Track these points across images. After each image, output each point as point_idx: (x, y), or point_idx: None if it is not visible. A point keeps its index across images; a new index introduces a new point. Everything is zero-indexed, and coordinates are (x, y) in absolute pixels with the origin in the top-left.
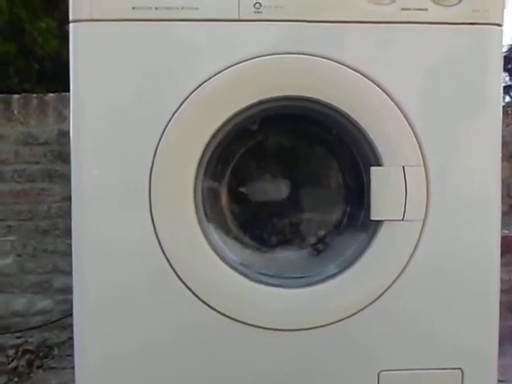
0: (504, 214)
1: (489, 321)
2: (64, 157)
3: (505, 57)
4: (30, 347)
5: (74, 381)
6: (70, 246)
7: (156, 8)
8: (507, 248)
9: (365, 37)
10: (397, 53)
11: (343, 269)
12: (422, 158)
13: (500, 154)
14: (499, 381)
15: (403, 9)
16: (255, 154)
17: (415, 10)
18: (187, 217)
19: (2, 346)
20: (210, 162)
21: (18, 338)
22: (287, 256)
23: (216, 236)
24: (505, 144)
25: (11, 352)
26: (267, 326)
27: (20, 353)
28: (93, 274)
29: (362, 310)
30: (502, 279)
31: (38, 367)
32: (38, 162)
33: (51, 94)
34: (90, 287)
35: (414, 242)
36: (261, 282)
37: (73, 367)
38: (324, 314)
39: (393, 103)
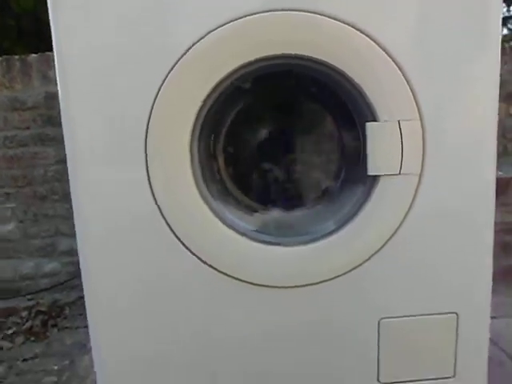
0: (498, 155)
1: (483, 266)
2: (53, 120)
3: None
4: (43, 308)
5: (87, 339)
6: (70, 209)
7: None
8: (501, 189)
9: None
10: (391, 5)
11: (342, 224)
12: (418, 111)
13: (497, 103)
14: (492, 317)
15: None
16: (250, 113)
17: None
18: (184, 177)
19: (15, 308)
20: (206, 123)
21: (29, 300)
22: (286, 215)
23: (214, 196)
24: (501, 83)
25: (24, 313)
26: (268, 284)
27: (33, 314)
28: (94, 233)
29: (361, 264)
30: (495, 220)
31: (53, 326)
32: (28, 127)
33: (34, 55)
34: (93, 244)
35: (411, 195)
36: (260, 240)
37: (85, 326)
38: (324, 270)
39: (388, 57)
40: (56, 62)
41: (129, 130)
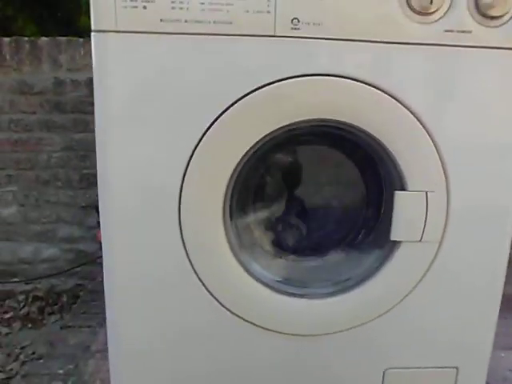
0: None
1: (488, 326)
2: (61, 107)
3: None
4: (40, 293)
5: (90, 341)
6: (72, 197)
7: (185, 21)
8: None
9: (403, 59)
10: (433, 76)
11: (360, 282)
12: (446, 184)
13: None
14: None
15: (446, 30)
16: (280, 170)
17: (459, 32)
18: (215, 231)
19: (12, 292)
20: (240, 177)
21: (26, 284)
22: (308, 266)
23: (242, 247)
24: None
25: (21, 298)
26: (289, 332)
27: (30, 299)
28: (126, 289)
29: (373, 319)
30: None
31: (50, 314)
32: (34, 112)
33: (44, 38)
34: (123, 297)
35: (429, 261)
36: (283, 292)
37: (88, 326)
38: (340, 322)
39: (423, 128)
40: (96, 118)
41: (163, 192)
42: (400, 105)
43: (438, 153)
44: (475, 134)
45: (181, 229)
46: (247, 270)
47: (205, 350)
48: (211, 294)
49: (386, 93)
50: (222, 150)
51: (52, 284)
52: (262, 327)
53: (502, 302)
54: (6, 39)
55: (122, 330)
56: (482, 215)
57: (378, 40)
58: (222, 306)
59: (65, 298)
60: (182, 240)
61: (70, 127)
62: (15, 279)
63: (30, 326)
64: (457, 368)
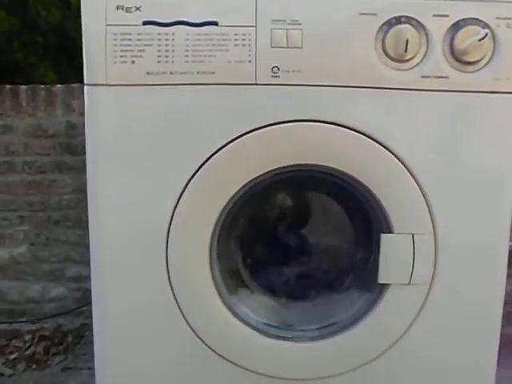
0: None
1: (488, 367)
2: (72, 149)
3: None
4: (46, 333)
5: (91, 382)
6: (81, 236)
7: (171, 73)
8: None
9: (382, 104)
10: (413, 120)
11: (349, 325)
12: (433, 226)
13: (509, 220)
14: None
15: (423, 76)
16: (268, 212)
17: (435, 77)
18: (202, 273)
19: (18, 331)
20: (226, 221)
21: (33, 323)
22: (296, 309)
23: (229, 289)
24: None
25: (28, 337)
26: (277, 376)
27: (36, 339)
28: (114, 326)
29: (364, 364)
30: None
31: (55, 354)
32: (48, 154)
33: (59, 85)
34: (112, 335)
35: (420, 304)
36: (270, 335)
37: (89, 368)
38: (330, 367)
39: (407, 172)
40: (87, 163)
41: (150, 235)
42: (383, 148)
43: (423, 195)
44: (459, 175)
45: (168, 272)
46: (234, 313)
47: None
48: (199, 337)
49: (368, 137)
50: (208, 196)
51: (58, 323)
52: (250, 370)
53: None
54: (23, 87)
55: (110, 371)
56: (472, 254)
57: (357, 85)
58: (210, 348)
59: (70, 338)
60: (170, 283)
61: (80, 169)
62: (22, 319)
63: (34, 367)
64: None
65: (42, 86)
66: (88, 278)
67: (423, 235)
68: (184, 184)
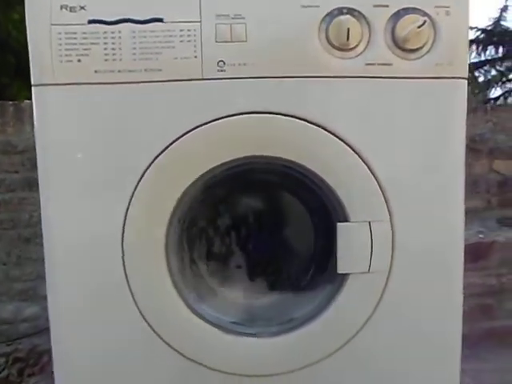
0: (482, 210)
1: (451, 352)
2: None
3: (490, 30)
4: (21, 354)
5: None
6: None
7: (119, 71)
8: (482, 253)
9: (329, 92)
10: (361, 108)
11: (311, 318)
12: (389, 213)
13: (463, 200)
14: None
15: (367, 64)
16: (226, 206)
17: (379, 64)
18: (159, 271)
19: None
20: (181, 219)
21: (7, 345)
22: (258, 303)
23: (188, 288)
24: (484, 140)
25: (2, 361)
26: (243, 373)
27: (10, 361)
28: (67, 319)
29: (330, 355)
30: (475, 283)
31: (29, 375)
32: (16, 171)
33: (27, 101)
34: (66, 332)
35: (380, 291)
36: (234, 332)
37: None
38: (295, 360)
39: (359, 159)
40: (38, 165)
41: (105, 229)
42: (334, 137)
43: (377, 182)
44: (411, 160)
45: (125, 272)
46: (194, 311)
47: None
48: (159, 336)
49: (318, 126)
50: (160, 193)
51: (34, 344)
52: (212, 368)
53: (494, 337)
54: None
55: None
56: (430, 241)
57: (303, 75)
58: (171, 347)
59: (46, 358)
60: (127, 281)
61: None
62: None
63: None
64: None
65: (11, 102)
66: None
67: (380, 222)
68: (136, 181)
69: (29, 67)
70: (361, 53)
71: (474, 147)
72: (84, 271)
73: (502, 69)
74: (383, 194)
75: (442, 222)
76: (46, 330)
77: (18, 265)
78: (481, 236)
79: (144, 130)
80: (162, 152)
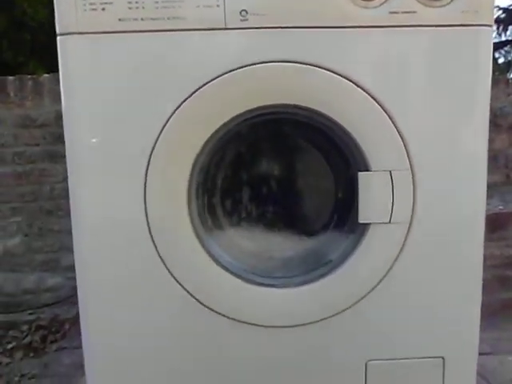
0: (502, 184)
1: (470, 312)
2: (63, 138)
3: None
4: (43, 323)
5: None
6: None
7: (142, 19)
8: (501, 224)
9: (352, 42)
10: (385, 57)
11: (332, 268)
12: (409, 162)
13: (486, 154)
14: (487, 353)
15: (391, 12)
16: (247, 157)
17: (403, 12)
18: (181, 218)
19: (15, 322)
20: (204, 165)
21: (30, 314)
22: (279, 255)
23: (210, 237)
24: (505, 115)
25: (25, 328)
26: (260, 324)
27: (33, 328)
28: (93, 275)
29: (350, 307)
30: (494, 254)
31: (52, 342)
32: (37, 144)
33: (46, 75)
34: (91, 273)
35: (401, 242)
36: (254, 282)
37: None
38: (315, 312)
39: (381, 109)
40: (63, 113)
41: (129, 173)
42: (356, 87)
43: (398, 132)
44: (433, 110)
45: (147, 217)
46: (216, 260)
47: (175, 342)
48: (181, 285)
49: (340, 76)
50: (185, 138)
51: (55, 313)
52: (233, 318)
53: (509, 308)
54: (10, 78)
55: (93, 324)
56: (451, 192)
57: (326, 25)
58: (192, 296)
59: (67, 327)
60: (149, 230)
61: None
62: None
63: (31, 355)
64: (443, 358)
65: (29, 76)
66: None
67: (400, 171)
68: (161, 127)
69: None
70: (385, 1)
71: (494, 121)
72: (106, 215)
73: None
74: (404, 144)
75: (464, 171)
76: (67, 300)
77: (40, 236)
78: (500, 207)
79: (169, 76)
80: (186, 99)
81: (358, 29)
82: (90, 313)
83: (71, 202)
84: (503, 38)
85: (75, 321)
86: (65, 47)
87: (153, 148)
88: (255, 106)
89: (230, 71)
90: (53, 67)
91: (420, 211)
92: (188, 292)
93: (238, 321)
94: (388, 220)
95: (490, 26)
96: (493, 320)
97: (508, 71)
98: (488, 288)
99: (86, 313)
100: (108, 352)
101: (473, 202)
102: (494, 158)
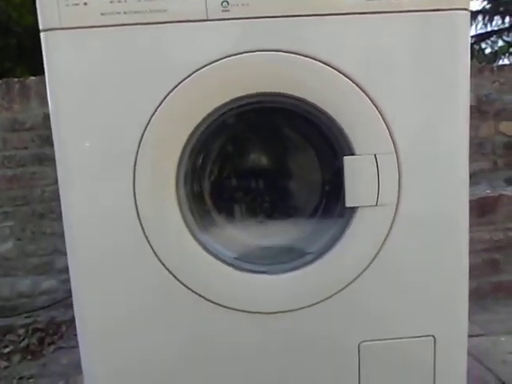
0: (489, 171)
1: (459, 290)
2: (52, 140)
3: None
4: (40, 325)
5: None
6: None
7: (125, 12)
8: (489, 207)
9: (332, 29)
10: (366, 43)
11: (321, 253)
12: (393, 145)
13: (468, 135)
14: (479, 334)
15: None
16: (235, 145)
17: None
18: (170, 207)
19: (12, 326)
20: (192, 155)
21: (26, 317)
22: (267, 243)
23: (200, 227)
24: (490, 101)
25: (21, 331)
26: (252, 310)
27: (30, 331)
28: (82, 250)
29: (341, 290)
30: (483, 238)
31: (50, 344)
32: (26, 147)
33: (32, 78)
34: (83, 271)
35: (388, 224)
36: (246, 270)
37: None
38: (306, 297)
39: (363, 93)
40: (50, 109)
41: (118, 161)
42: (338, 73)
43: (381, 115)
44: (415, 92)
45: (136, 203)
46: (206, 248)
47: (166, 329)
48: (170, 272)
49: (322, 62)
50: (172, 127)
51: (52, 316)
52: (224, 306)
53: (502, 290)
54: None
55: (86, 308)
56: (434, 169)
57: (307, 13)
58: (182, 284)
59: (64, 328)
60: (138, 216)
61: None
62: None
63: (29, 357)
64: (433, 336)
65: (16, 79)
66: None
67: (385, 155)
68: (148, 118)
69: (32, 51)
70: None
71: (480, 108)
72: (95, 194)
73: (508, 39)
74: (388, 128)
75: (446, 151)
76: (63, 302)
77: (33, 240)
78: (488, 191)
79: (152, 70)
80: (171, 90)
81: (338, 16)
82: (81, 296)
83: (61, 190)
84: (489, 29)
85: (72, 322)
86: (48, 43)
87: (140, 139)
88: (240, 95)
89: (214, 62)
90: (41, 73)
91: (406, 192)
92: (177, 279)
93: (227, 307)
94: (375, 203)
95: (467, 9)
96: (483, 303)
97: (495, 61)
98: (478, 272)
99: (82, 311)
100: (98, 331)
101: (456, 182)
102: (480, 144)
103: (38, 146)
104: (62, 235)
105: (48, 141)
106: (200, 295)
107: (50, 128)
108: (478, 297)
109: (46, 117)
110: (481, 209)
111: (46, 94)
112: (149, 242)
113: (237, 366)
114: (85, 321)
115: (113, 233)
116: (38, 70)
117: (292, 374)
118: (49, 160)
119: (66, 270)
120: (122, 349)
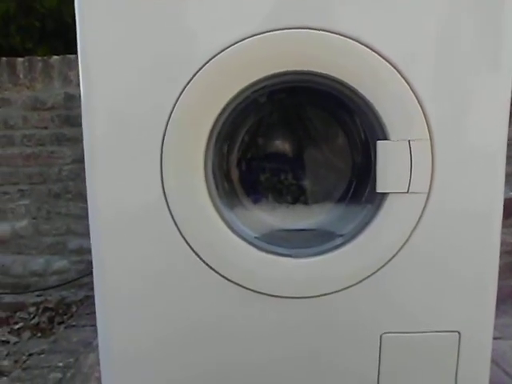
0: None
1: (487, 286)
2: (72, 121)
3: None
4: (50, 305)
5: (93, 338)
6: (83, 208)
7: None
8: (510, 210)
9: (364, 6)
10: (401, 20)
11: (349, 239)
12: (429, 131)
13: (507, 123)
14: (497, 338)
15: None
16: (264, 126)
17: None
18: (197, 185)
19: (23, 303)
20: (221, 133)
21: (38, 296)
22: (295, 226)
23: (226, 206)
24: None
25: (32, 309)
26: (275, 294)
27: (40, 310)
28: (108, 238)
29: (366, 278)
30: (506, 241)
31: (59, 323)
32: (46, 127)
33: (56, 57)
34: (107, 250)
35: (419, 213)
36: (269, 251)
37: (92, 325)
38: (330, 283)
39: (401, 77)
40: (80, 67)
41: (146, 136)
42: (375, 54)
43: (417, 100)
44: (453, 77)
45: (162, 179)
46: (231, 228)
47: (189, 310)
48: (194, 252)
49: (360, 43)
50: (203, 103)
51: (62, 296)
52: (247, 288)
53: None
54: (20, 59)
55: (107, 281)
56: (470, 161)
57: None
58: (206, 264)
59: (74, 309)
60: (164, 194)
61: (79, 140)
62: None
63: (39, 335)
64: (459, 332)
65: (39, 58)
66: (90, 250)
67: (419, 141)
68: (177, 94)
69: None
70: None
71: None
72: (121, 169)
73: None
74: (424, 113)
75: (484, 140)
76: (74, 282)
77: (48, 219)
78: (511, 193)
79: (189, 41)
80: (205, 64)
81: None
82: (103, 269)
83: (87, 174)
84: None
85: (82, 303)
86: (83, 9)
87: (169, 116)
88: (270, 73)
89: (244, 39)
90: (60, 53)
91: (438, 181)
92: (203, 260)
93: (252, 290)
94: (406, 190)
95: None
96: (503, 306)
97: None
98: (499, 274)
99: (100, 269)
100: (119, 308)
101: (492, 177)
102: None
103: (58, 126)
104: (76, 216)
105: (68, 121)
106: (223, 276)
107: (70, 108)
108: (498, 300)
109: (67, 97)
110: (504, 211)
111: (68, 74)
112: (172, 215)
113: (255, 348)
114: (104, 291)
115: (138, 210)
116: (58, 52)
117: (309, 361)
118: (67, 140)
119: (78, 251)
120: (138, 320)
